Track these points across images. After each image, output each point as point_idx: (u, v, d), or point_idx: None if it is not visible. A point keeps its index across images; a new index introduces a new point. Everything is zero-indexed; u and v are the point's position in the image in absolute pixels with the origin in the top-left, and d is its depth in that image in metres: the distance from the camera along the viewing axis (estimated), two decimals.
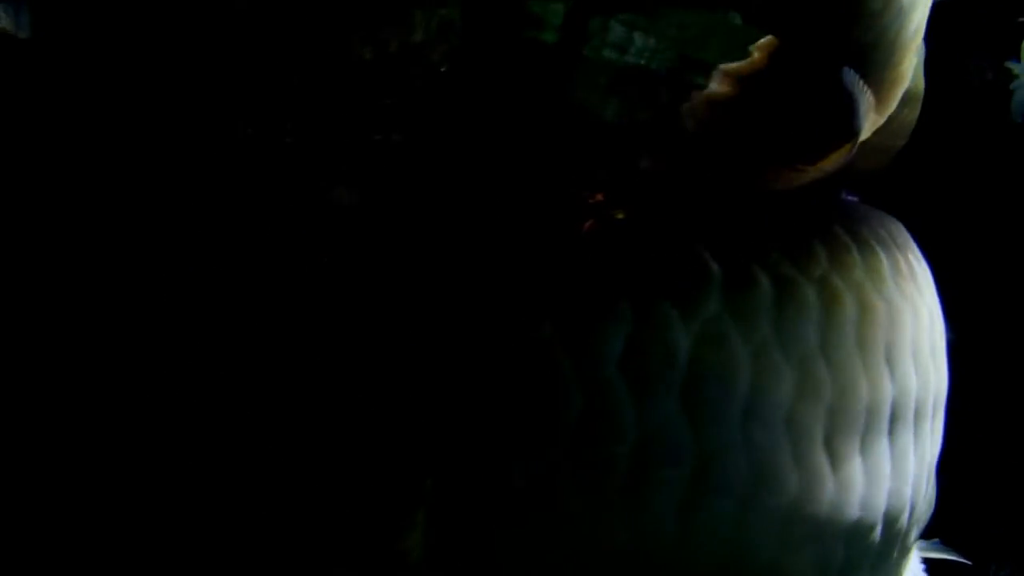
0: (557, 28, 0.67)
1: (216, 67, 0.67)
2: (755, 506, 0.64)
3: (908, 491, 0.70)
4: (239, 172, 0.69)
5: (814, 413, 0.65)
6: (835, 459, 0.66)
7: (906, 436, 0.69)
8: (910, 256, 0.73)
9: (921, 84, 0.75)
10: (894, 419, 0.68)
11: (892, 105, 0.71)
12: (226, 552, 0.68)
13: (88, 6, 0.67)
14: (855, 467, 0.66)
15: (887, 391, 0.68)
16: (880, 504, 0.68)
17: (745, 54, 0.66)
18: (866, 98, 0.66)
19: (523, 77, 0.68)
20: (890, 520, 0.69)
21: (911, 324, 0.70)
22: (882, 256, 0.71)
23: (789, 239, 0.69)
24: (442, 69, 0.67)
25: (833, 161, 0.68)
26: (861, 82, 0.66)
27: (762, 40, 0.65)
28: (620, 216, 0.70)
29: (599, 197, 0.70)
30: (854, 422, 0.66)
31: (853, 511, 0.66)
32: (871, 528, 0.68)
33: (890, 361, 0.68)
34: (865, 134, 0.70)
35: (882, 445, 0.68)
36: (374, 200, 0.70)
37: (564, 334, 0.66)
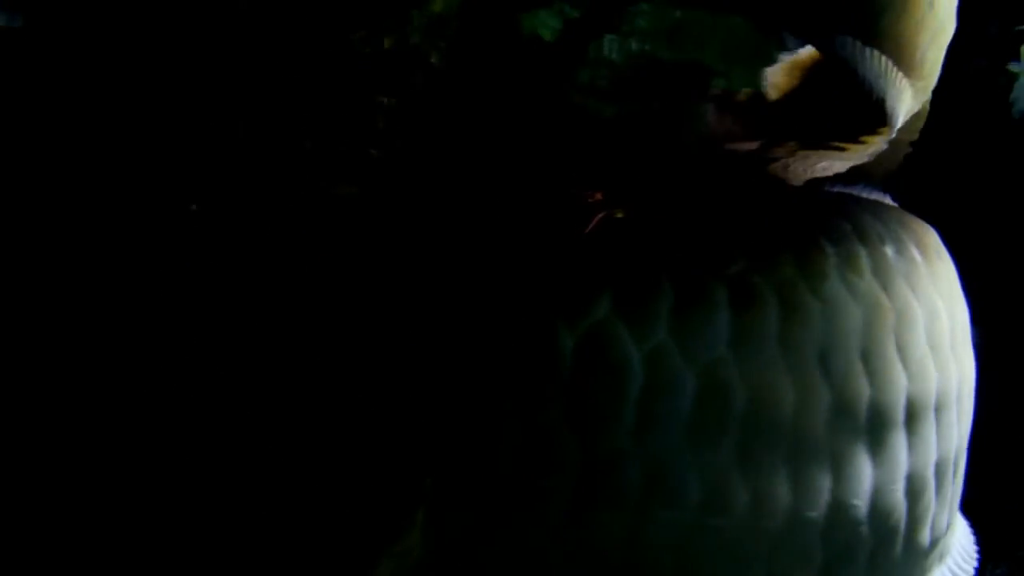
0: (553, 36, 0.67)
1: (216, 66, 0.67)
2: (651, 517, 0.62)
3: (861, 504, 0.65)
4: (238, 171, 0.69)
5: (721, 420, 0.62)
6: (750, 469, 0.62)
7: (854, 446, 0.65)
8: (887, 250, 0.68)
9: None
10: (836, 427, 0.64)
11: (925, 68, 0.67)
12: (226, 551, 0.68)
13: (91, 4, 0.67)
14: (777, 478, 0.63)
15: (822, 397, 0.64)
16: (816, 517, 0.63)
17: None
18: (875, 61, 0.63)
19: (521, 76, 0.68)
20: (835, 534, 0.64)
21: (864, 324, 0.65)
22: (829, 252, 0.66)
23: (705, 242, 0.66)
24: (439, 66, 0.66)
25: (877, 142, 0.66)
26: (861, 45, 0.63)
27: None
28: (620, 215, 0.70)
29: (599, 196, 0.70)
30: (775, 429, 0.63)
31: (775, 524, 0.63)
32: (804, 543, 0.64)
33: (826, 364, 0.64)
34: (908, 107, 0.67)
35: (817, 454, 0.64)
36: (374, 199, 0.70)
37: (473, 344, 0.65)
